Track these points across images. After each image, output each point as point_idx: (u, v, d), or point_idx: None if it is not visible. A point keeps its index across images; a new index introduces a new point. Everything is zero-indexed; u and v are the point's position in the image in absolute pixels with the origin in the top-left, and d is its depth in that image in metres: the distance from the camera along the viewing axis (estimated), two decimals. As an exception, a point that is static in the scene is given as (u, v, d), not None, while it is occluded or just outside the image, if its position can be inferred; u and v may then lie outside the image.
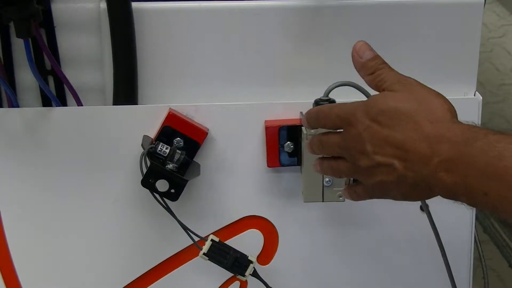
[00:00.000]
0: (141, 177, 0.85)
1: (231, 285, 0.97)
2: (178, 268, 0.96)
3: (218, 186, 0.94)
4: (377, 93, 0.72)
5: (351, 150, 0.69)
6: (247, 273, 0.90)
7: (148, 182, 0.85)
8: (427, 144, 0.64)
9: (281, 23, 0.91)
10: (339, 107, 0.72)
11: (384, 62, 0.74)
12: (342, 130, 0.71)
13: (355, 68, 0.75)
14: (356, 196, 0.75)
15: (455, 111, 0.68)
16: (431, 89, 0.70)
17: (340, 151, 0.72)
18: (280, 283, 0.93)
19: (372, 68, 0.74)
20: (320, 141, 0.74)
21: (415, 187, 0.66)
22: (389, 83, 0.71)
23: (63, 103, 0.93)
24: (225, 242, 0.90)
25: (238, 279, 0.95)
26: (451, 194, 0.64)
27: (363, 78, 0.74)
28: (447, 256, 0.91)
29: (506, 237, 2.17)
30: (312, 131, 0.84)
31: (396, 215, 0.96)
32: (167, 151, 0.86)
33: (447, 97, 0.93)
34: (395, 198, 0.71)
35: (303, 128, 0.86)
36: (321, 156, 0.76)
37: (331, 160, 0.74)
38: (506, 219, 0.63)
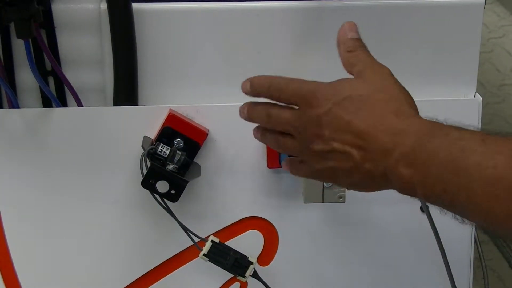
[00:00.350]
0: (141, 178, 0.85)
1: (231, 286, 0.97)
2: (178, 269, 0.96)
3: (218, 187, 0.94)
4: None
5: (305, 131, 0.67)
6: (247, 274, 0.90)
7: (148, 183, 0.85)
8: (390, 137, 0.62)
9: (282, 24, 0.91)
10: (299, 83, 0.69)
11: (365, 46, 0.73)
12: (296, 107, 0.68)
13: (337, 41, 0.73)
14: (296, 172, 0.72)
15: (417, 108, 0.67)
16: (399, 82, 0.69)
17: (291, 128, 0.69)
18: (280, 284, 0.93)
19: (351, 46, 0.72)
20: (268, 112, 0.70)
21: (370, 178, 0.64)
22: (362, 67, 0.69)
23: (63, 103, 0.93)
24: (225, 243, 0.91)
25: (238, 280, 0.95)
26: (409, 188, 0.62)
27: (340, 54, 0.72)
28: (447, 256, 0.91)
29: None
30: None
31: (396, 216, 0.96)
32: (168, 152, 0.86)
33: (447, 98, 0.94)
34: (340, 185, 0.70)
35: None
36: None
37: (277, 135, 0.71)
38: (460, 216, 0.63)
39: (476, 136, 0.60)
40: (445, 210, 0.63)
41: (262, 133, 0.74)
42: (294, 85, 0.69)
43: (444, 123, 0.65)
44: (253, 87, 0.72)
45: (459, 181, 0.58)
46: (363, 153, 0.63)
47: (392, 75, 0.69)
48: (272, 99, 0.71)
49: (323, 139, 0.65)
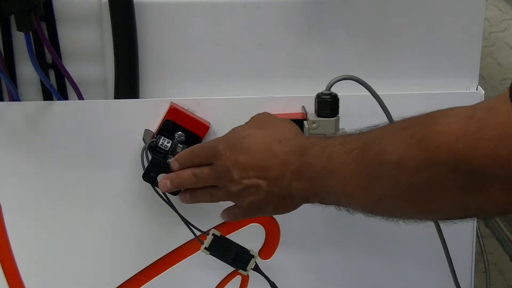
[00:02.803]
0: (142, 171, 0.85)
1: (232, 280, 0.97)
2: (179, 263, 0.96)
3: (220, 180, 0.93)
4: None
5: (222, 179, 0.77)
6: (248, 268, 0.89)
7: (149, 176, 0.85)
8: (279, 161, 0.73)
9: (283, 17, 0.91)
10: (206, 145, 0.81)
11: None
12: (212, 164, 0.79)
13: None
14: (234, 217, 0.82)
15: (299, 129, 0.78)
16: (276, 116, 0.82)
17: (213, 181, 0.79)
18: (281, 277, 0.93)
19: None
20: (194, 173, 0.80)
21: (282, 199, 0.74)
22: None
23: (64, 96, 0.93)
24: (226, 236, 0.90)
25: (240, 274, 0.95)
26: (306, 198, 0.73)
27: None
28: (449, 250, 0.91)
29: (507, 232, 2.17)
30: (314, 125, 0.84)
31: (398, 210, 0.96)
32: (169, 145, 0.86)
33: (449, 92, 0.94)
34: (268, 213, 0.81)
35: (305, 122, 0.86)
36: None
37: (208, 189, 0.80)
38: (349, 210, 0.73)
39: (337, 140, 0.70)
40: (339, 207, 0.73)
41: (190, 193, 0.82)
42: (204, 147, 0.81)
43: (319, 136, 0.77)
44: (181, 162, 0.82)
45: (333, 182, 0.68)
46: (268, 181, 0.73)
47: (270, 113, 0.83)
48: (196, 165, 0.81)
49: (235, 181, 0.75)
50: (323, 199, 0.72)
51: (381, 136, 0.66)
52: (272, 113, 0.91)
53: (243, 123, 0.82)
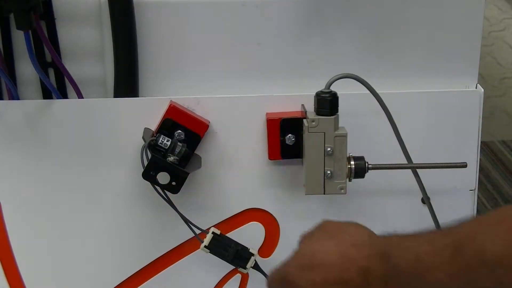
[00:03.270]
0: (142, 170, 0.85)
1: (232, 278, 0.97)
2: (179, 261, 0.96)
3: (219, 178, 0.94)
4: None
5: None
6: (248, 266, 0.90)
7: (149, 174, 0.85)
8: (359, 268, 0.66)
9: (282, 15, 0.91)
10: (274, 275, 0.73)
11: None
12: None
13: None
14: None
15: (370, 230, 0.71)
16: (339, 222, 0.73)
17: None
18: (281, 275, 0.93)
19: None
20: None
21: None
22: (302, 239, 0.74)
23: (63, 95, 0.93)
24: (226, 234, 0.91)
25: (240, 272, 0.95)
26: None
27: None
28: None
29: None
30: (313, 123, 0.84)
31: (398, 207, 0.96)
32: (168, 143, 0.86)
33: (448, 90, 0.94)
34: None
35: (304, 120, 0.86)
36: None
37: None
38: None
39: (421, 238, 0.65)
40: None
41: None
42: (274, 278, 0.73)
43: (395, 234, 0.69)
44: None
45: (425, 286, 0.63)
46: None
47: (330, 220, 0.74)
48: None
49: None
50: None
51: (474, 232, 0.61)
52: (271, 111, 0.91)
53: (305, 239, 0.74)
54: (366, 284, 0.66)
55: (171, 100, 0.90)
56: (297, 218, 0.96)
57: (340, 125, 0.86)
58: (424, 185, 0.90)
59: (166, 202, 0.87)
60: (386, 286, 0.65)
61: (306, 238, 0.73)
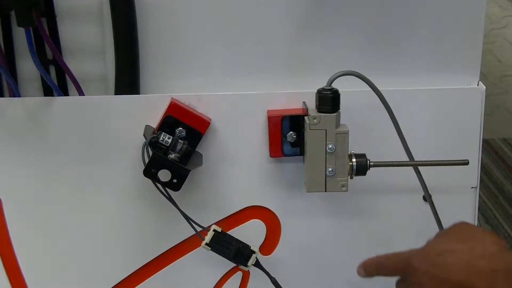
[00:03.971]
0: (143, 167, 0.85)
1: (233, 275, 0.97)
2: (180, 258, 0.96)
3: (221, 176, 0.93)
4: None
5: None
6: (249, 263, 0.90)
7: (150, 172, 0.85)
8: (484, 280, 0.67)
9: (283, 12, 0.91)
10: (395, 257, 0.76)
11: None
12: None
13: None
14: None
15: (504, 242, 0.71)
16: (477, 227, 0.76)
17: None
18: (282, 273, 0.93)
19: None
20: None
21: None
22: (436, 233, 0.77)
23: (64, 92, 0.92)
24: (227, 232, 0.90)
25: (241, 269, 0.95)
26: None
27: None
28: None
29: (507, 228, 2.17)
30: (315, 120, 0.83)
31: (399, 205, 0.96)
32: (169, 141, 0.85)
33: (451, 87, 0.94)
34: None
35: (306, 118, 0.86)
36: None
37: None
38: None
39: None
40: None
41: None
42: (392, 261, 0.76)
43: None
44: (367, 270, 0.80)
45: None
46: None
47: (468, 223, 0.76)
48: (385, 276, 0.78)
49: None
50: None
51: None
52: (273, 109, 0.91)
53: (439, 236, 0.77)
54: None
55: (172, 97, 0.89)
56: (298, 215, 0.96)
57: (341, 122, 0.85)
58: (426, 182, 0.90)
59: (167, 200, 0.87)
60: None
61: (441, 235, 0.76)
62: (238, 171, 0.93)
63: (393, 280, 0.77)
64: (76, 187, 0.93)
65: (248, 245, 0.90)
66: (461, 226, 0.76)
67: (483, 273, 0.67)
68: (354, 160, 0.86)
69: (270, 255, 0.97)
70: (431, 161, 0.89)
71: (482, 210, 2.25)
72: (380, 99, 0.86)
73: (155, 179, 0.85)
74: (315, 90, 0.85)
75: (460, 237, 0.73)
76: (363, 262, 0.81)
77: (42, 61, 0.89)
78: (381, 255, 0.78)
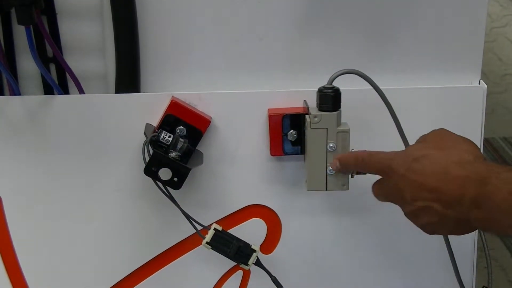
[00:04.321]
0: (143, 166, 0.84)
1: (234, 274, 0.97)
2: (181, 257, 0.96)
3: (221, 174, 0.93)
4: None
5: (393, 198, 0.76)
6: (250, 262, 0.89)
7: (150, 170, 0.84)
8: (456, 185, 0.69)
9: (284, 10, 0.91)
10: (377, 157, 0.78)
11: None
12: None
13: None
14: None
15: (480, 152, 0.75)
16: (455, 134, 0.78)
17: (382, 198, 0.79)
18: (283, 272, 0.93)
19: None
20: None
21: (458, 224, 0.71)
22: (420, 138, 0.79)
23: (65, 91, 0.92)
24: (228, 231, 0.90)
25: (241, 268, 0.95)
26: (486, 228, 0.71)
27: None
28: (451, 245, 0.91)
29: (508, 227, 2.17)
30: (316, 119, 0.83)
31: (400, 204, 0.95)
32: (170, 139, 0.85)
33: (452, 86, 0.93)
34: (445, 234, 0.81)
35: (306, 116, 0.86)
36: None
37: None
38: None
39: None
40: None
41: None
42: (374, 158, 0.78)
43: (498, 164, 0.71)
44: (342, 164, 0.83)
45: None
46: (442, 204, 0.71)
47: (448, 130, 0.78)
48: (359, 171, 0.82)
49: (407, 202, 0.73)
50: (504, 232, 0.70)
51: None
52: (273, 107, 0.91)
53: (419, 142, 0.79)
54: (457, 202, 0.69)
55: (172, 96, 0.89)
56: (299, 214, 0.96)
57: (342, 121, 0.85)
58: (427, 181, 0.89)
59: (167, 198, 0.87)
60: (478, 209, 0.67)
61: (420, 141, 0.78)
62: (239, 169, 0.93)
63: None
64: (76, 185, 0.93)
65: (249, 244, 0.90)
66: (440, 132, 0.78)
67: (457, 179, 0.69)
68: (355, 158, 0.85)
69: (270, 254, 0.97)
70: (432, 159, 0.88)
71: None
72: (381, 98, 0.86)
73: (155, 177, 0.85)
74: (316, 89, 0.85)
75: (438, 144, 0.75)
76: (341, 155, 0.83)
77: (43, 59, 0.89)
78: (361, 152, 0.81)
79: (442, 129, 0.79)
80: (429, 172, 0.71)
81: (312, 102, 0.86)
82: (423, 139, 0.78)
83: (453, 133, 0.78)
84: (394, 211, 0.96)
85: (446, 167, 0.71)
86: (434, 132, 0.79)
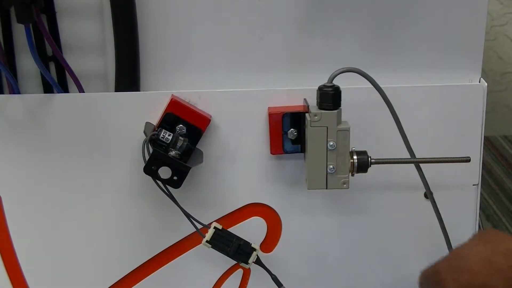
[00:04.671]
0: (143, 164, 0.84)
1: (234, 273, 0.97)
2: (181, 256, 0.96)
3: (221, 173, 0.93)
4: None
5: None
6: (250, 261, 0.89)
7: (150, 169, 0.84)
8: (505, 277, 0.68)
9: (285, 8, 0.90)
10: (428, 269, 0.77)
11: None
12: None
13: None
14: None
15: None
16: (503, 233, 0.76)
17: None
18: (283, 270, 0.93)
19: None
20: None
21: None
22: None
23: (64, 89, 0.92)
24: (228, 229, 0.90)
25: (241, 267, 0.95)
26: None
27: None
28: (451, 242, 0.91)
29: (508, 226, 2.17)
30: (316, 117, 0.83)
31: (400, 202, 0.95)
32: (170, 138, 0.85)
33: (452, 84, 0.93)
34: None
35: (307, 115, 0.86)
36: None
37: None
38: None
39: None
40: None
41: None
42: (426, 276, 0.77)
43: None
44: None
45: None
46: None
47: (495, 230, 0.76)
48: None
49: None
50: None
51: None
52: (273, 106, 0.91)
53: (465, 243, 0.77)
54: None
55: (172, 94, 0.89)
56: (299, 213, 0.96)
57: (342, 119, 0.85)
58: (427, 179, 0.89)
59: (167, 197, 0.87)
60: None
61: (467, 242, 0.77)
62: (239, 168, 0.93)
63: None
64: (75, 183, 0.93)
65: (249, 243, 0.90)
66: (486, 232, 0.77)
67: (504, 271, 0.68)
68: (355, 157, 0.85)
69: (271, 253, 0.97)
70: (432, 158, 0.88)
71: (483, 207, 2.25)
72: (382, 96, 0.86)
73: (155, 176, 0.85)
74: (316, 87, 0.84)
75: (483, 241, 0.74)
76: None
77: (42, 58, 0.89)
78: (424, 270, 0.79)
79: (489, 229, 0.78)
80: (476, 268, 0.70)
81: (312, 101, 0.86)
82: (471, 238, 0.77)
83: (501, 232, 0.76)
84: (395, 210, 0.96)
85: (491, 260, 0.69)
86: (481, 232, 0.80)
